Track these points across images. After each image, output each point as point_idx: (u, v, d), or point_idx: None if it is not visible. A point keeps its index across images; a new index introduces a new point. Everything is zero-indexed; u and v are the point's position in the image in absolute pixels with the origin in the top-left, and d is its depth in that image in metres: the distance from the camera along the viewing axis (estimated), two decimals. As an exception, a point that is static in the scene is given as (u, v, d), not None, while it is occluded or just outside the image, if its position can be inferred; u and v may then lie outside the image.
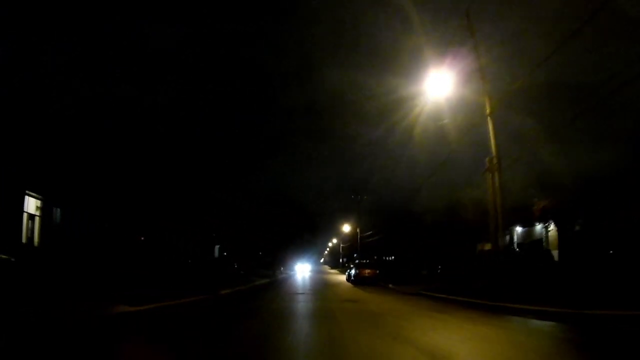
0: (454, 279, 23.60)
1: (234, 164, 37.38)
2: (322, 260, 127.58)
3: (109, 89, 18.12)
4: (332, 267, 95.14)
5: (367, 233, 58.84)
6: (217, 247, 41.88)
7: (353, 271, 29.52)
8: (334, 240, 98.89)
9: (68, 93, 16.80)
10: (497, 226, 15.06)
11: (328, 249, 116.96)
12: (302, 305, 13.46)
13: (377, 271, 28.37)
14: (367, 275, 27.91)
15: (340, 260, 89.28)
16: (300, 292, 19.92)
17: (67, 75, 16.90)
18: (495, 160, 14.27)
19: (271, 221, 54.23)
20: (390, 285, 24.79)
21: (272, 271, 47.98)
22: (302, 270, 64.60)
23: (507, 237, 41.85)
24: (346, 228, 62.95)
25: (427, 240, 38.93)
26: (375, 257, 55.29)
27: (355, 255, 60.39)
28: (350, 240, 75.49)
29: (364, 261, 31.47)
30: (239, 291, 20.51)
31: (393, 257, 37.02)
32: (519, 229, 39.41)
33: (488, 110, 14.51)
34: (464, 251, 41.20)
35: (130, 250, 20.53)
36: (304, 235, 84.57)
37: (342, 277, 41.65)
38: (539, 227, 34.46)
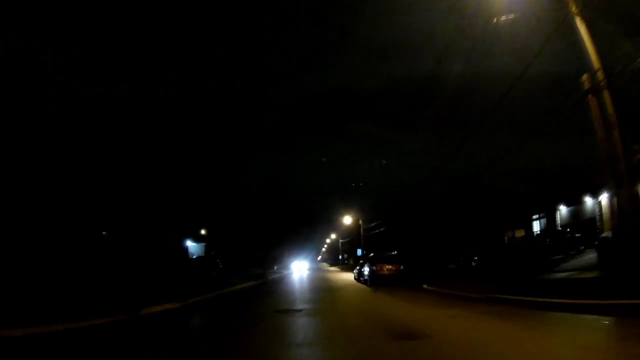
0: (507, 272, 17.37)
1: (231, 159, 36.29)
2: (319, 258, 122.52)
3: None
4: (332, 265, 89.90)
5: (371, 224, 51.76)
6: (203, 244, 39.10)
7: (367, 268, 21.92)
8: (333, 236, 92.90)
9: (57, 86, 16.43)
10: (619, 176, 9.65)
11: (326, 245, 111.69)
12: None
13: (401, 266, 20.75)
14: (388, 272, 20.40)
15: (340, 257, 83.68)
16: (295, 307, 11.80)
17: (66, 75, 16.92)
18: (601, 75, 9.80)
19: (264, 215, 50.55)
20: (426, 286, 17.33)
21: (263, 270, 40.86)
22: (299, 269, 57.09)
23: (542, 221, 34.88)
24: (347, 220, 55.47)
25: (446, 230, 33.80)
26: (372, 254, 48.08)
27: (359, 250, 52.98)
28: (351, 234, 68.44)
29: (384, 254, 23.72)
30: (188, 307, 12.81)
31: (396, 252, 29.82)
32: (563, 209, 32.20)
33: (574, 8, 10.17)
34: (491, 240, 34.80)
35: (87, 247, 18.14)
36: (302, 230, 77.69)
37: (347, 276, 34.08)
38: (589, 202, 27.84)
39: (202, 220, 36.81)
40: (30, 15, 15.40)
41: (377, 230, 50.40)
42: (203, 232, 40.06)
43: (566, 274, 15.28)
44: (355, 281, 25.95)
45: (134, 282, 15.68)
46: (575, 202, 29.72)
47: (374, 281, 20.39)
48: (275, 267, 52.38)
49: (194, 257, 37.15)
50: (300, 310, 10.60)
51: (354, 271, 27.98)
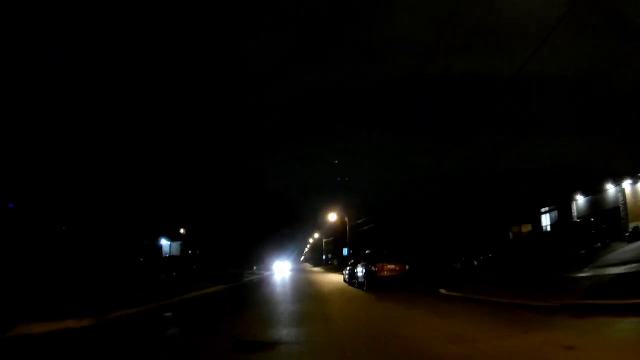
0: (530, 271, 15.11)
1: (215, 158, 34.81)
2: (303, 258, 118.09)
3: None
4: (315, 265, 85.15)
5: (358, 222, 47.80)
6: (179, 243, 36.99)
7: (361, 269, 17.71)
8: (316, 236, 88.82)
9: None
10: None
11: (309, 245, 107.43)
12: None
13: (407, 266, 16.57)
14: (391, 274, 16.22)
15: (324, 257, 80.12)
16: (270, 335, 7.29)
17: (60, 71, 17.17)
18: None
19: (245, 214, 47.15)
20: (444, 291, 13.26)
21: (241, 270, 37.54)
22: (281, 269, 52.54)
23: (553, 215, 31.47)
24: (332, 218, 51.21)
25: (445, 228, 31.85)
26: (368, 251, 44.20)
27: (345, 249, 48.73)
28: (335, 234, 64.33)
29: (383, 251, 19.34)
30: (97, 328, 8.10)
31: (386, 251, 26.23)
32: (580, 199, 28.72)
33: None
34: (494, 237, 31.75)
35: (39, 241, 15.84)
36: (284, 230, 73.38)
37: (335, 278, 29.82)
38: (612, 190, 24.80)
39: (179, 219, 33.24)
40: (30, 15, 15.47)
41: (365, 228, 46.33)
42: (182, 231, 36.98)
43: (624, 268, 11.89)
44: (346, 284, 21.66)
45: (72, 283, 13.00)
46: (594, 190, 26.28)
47: (372, 285, 16.12)
48: (255, 268, 47.79)
49: (168, 256, 33.77)
50: (274, 347, 6.17)
51: (344, 272, 23.71)
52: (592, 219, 23.53)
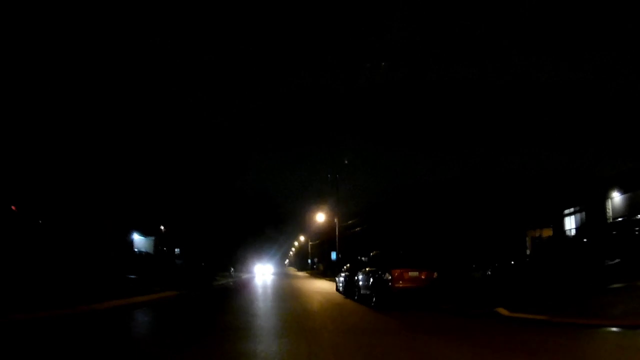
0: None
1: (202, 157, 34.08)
2: (287, 262, 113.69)
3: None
4: (300, 269, 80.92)
5: (349, 222, 42.93)
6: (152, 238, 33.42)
7: (363, 277, 12.76)
8: (302, 238, 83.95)
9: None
10: None
11: (294, 248, 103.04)
12: None
13: (435, 274, 11.55)
14: (414, 285, 11.17)
15: (309, 261, 74.80)
16: None
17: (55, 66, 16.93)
18: None
19: (226, 213, 44.60)
20: (506, 312, 8.29)
21: (214, 272, 33.35)
22: (262, 273, 47.16)
23: (578, 216, 27.79)
24: (319, 218, 46.21)
25: (454, 232, 27.83)
26: (374, 252, 39.44)
27: (333, 253, 43.54)
28: (321, 236, 59.15)
29: (398, 252, 14.09)
30: None
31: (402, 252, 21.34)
32: (616, 197, 24.25)
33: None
34: (510, 241, 27.81)
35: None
36: (268, 231, 68.09)
37: (323, 285, 24.86)
38: None
39: (155, 212, 30.46)
40: (29, 15, 15.63)
41: (357, 229, 41.41)
42: (162, 228, 34.06)
43: None
44: (340, 295, 16.63)
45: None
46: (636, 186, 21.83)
47: (385, 300, 11.12)
48: (232, 270, 42.36)
49: (141, 252, 29.59)
50: None
51: (338, 280, 18.67)
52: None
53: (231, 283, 29.16)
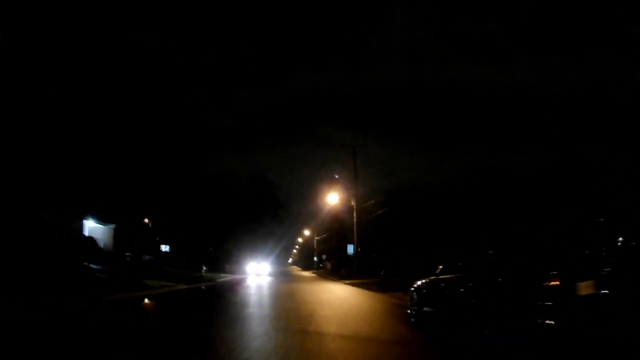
0: None
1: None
2: (290, 260, 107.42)
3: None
4: (305, 268, 73.57)
5: (369, 202, 32.90)
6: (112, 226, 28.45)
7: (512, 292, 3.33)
8: (306, 232, 75.67)
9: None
10: None
11: (298, 245, 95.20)
12: None
13: None
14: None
15: (315, 259, 65.53)
16: None
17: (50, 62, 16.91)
18: None
19: (216, 204, 39.40)
20: None
21: (187, 271, 26.27)
22: (257, 273, 37.83)
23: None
24: (333, 199, 36.45)
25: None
26: (375, 255, 30.54)
27: (350, 246, 34.09)
28: (330, 229, 49.75)
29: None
30: None
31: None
32: None
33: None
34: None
35: None
36: (268, 225, 58.61)
37: (343, 292, 16.08)
38: None
39: (123, 198, 24.99)
40: (28, 14, 15.76)
41: (377, 213, 31.79)
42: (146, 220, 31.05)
43: None
44: (413, 331, 7.68)
45: None
46: None
47: None
48: (204, 269, 32.52)
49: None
50: None
51: (414, 296, 9.05)
52: None
53: (205, 287, 20.34)
